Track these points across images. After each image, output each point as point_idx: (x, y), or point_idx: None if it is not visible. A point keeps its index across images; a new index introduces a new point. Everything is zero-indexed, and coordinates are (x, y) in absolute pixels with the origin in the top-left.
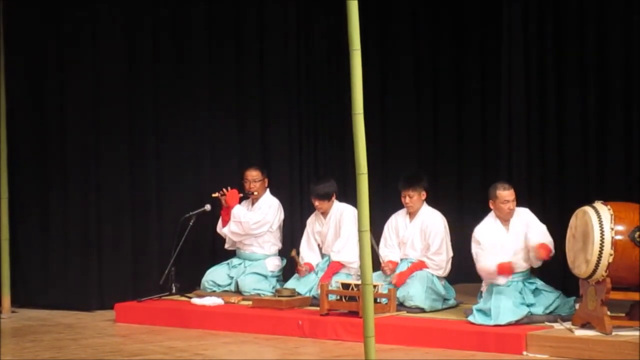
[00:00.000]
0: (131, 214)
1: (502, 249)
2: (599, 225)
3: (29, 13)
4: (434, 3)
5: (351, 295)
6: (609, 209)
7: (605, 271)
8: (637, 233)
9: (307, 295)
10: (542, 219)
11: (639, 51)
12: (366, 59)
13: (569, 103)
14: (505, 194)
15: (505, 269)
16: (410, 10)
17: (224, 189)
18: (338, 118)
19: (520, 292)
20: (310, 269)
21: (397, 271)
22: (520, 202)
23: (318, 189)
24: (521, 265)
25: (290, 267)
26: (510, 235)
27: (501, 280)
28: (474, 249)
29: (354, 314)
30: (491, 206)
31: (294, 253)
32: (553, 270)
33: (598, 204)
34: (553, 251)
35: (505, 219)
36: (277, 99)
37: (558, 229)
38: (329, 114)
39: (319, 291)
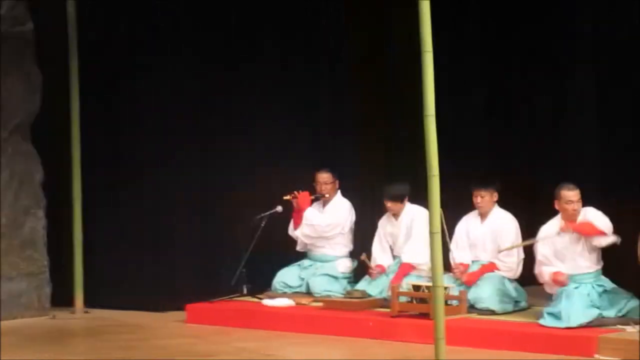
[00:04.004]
0: (203, 215)
1: (564, 251)
2: None
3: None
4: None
5: (422, 297)
6: None
7: None
8: None
9: (378, 296)
10: (616, 219)
11: None
12: (436, 60)
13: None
14: (570, 194)
15: (558, 281)
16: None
17: (296, 192)
18: (409, 120)
19: (588, 294)
20: (382, 270)
21: (468, 272)
22: (593, 202)
23: (391, 191)
24: (587, 266)
25: (361, 269)
26: (574, 236)
27: (554, 289)
28: (539, 254)
29: (425, 315)
30: (556, 207)
31: (364, 257)
32: (627, 273)
33: None
34: (606, 232)
35: (570, 220)
36: (348, 99)
37: (633, 231)
38: (400, 116)
39: (389, 293)
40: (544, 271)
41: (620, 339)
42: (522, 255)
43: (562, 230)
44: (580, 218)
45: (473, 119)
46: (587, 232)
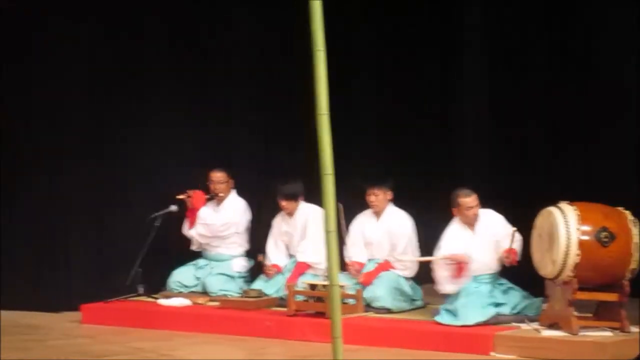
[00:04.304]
0: (97, 215)
1: (467, 252)
2: (565, 226)
3: None
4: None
5: (318, 296)
6: (574, 209)
7: (572, 271)
8: (603, 233)
9: (275, 296)
10: (507, 219)
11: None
12: (329, 58)
13: (533, 100)
14: (468, 200)
15: (458, 271)
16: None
17: (189, 191)
18: (303, 117)
19: (491, 292)
20: (278, 270)
21: (364, 271)
22: (484, 203)
23: (285, 189)
24: (491, 267)
25: (258, 268)
26: (476, 238)
27: (452, 287)
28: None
29: (321, 314)
30: (455, 213)
31: (261, 258)
32: (519, 271)
33: (564, 204)
34: (519, 253)
35: (470, 223)
36: (242, 98)
37: (523, 229)
38: (293, 114)
39: (286, 292)
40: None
41: (516, 337)
42: (417, 254)
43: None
44: (479, 221)
45: (366, 118)
46: (514, 261)
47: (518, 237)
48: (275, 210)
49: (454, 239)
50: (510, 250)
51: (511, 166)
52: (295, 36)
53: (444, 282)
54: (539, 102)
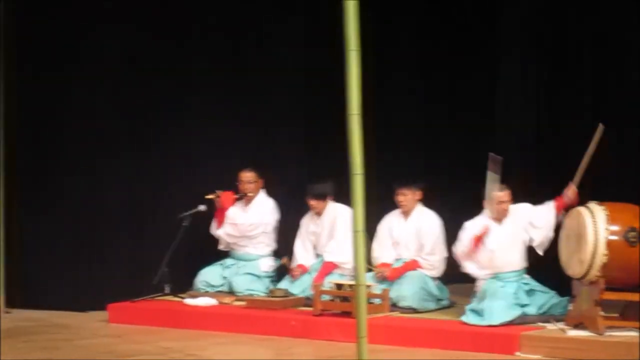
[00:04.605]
0: (126, 214)
1: (494, 246)
2: (593, 226)
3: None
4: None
5: (344, 296)
6: (603, 210)
7: (599, 272)
8: (631, 233)
9: (301, 295)
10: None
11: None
12: (363, 59)
13: (566, 101)
14: (500, 195)
15: (477, 239)
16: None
17: (218, 191)
18: (333, 118)
19: (515, 293)
20: (304, 270)
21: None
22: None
23: (314, 189)
24: (516, 264)
25: (285, 268)
26: (502, 234)
27: (473, 267)
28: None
29: (347, 314)
30: (485, 206)
31: (285, 260)
32: (546, 271)
33: (592, 205)
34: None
35: (499, 218)
36: (274, 99)
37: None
38: (324, 114)
39: (312, 292)
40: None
41: (542, 337)
42: (445, 254)
43: None
44: (509, 217)
45: (395, 116)
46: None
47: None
48: (304, 210)
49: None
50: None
51: (546, 166)
52: (336, 34)
53: (464, 259)
54: (580, 101)
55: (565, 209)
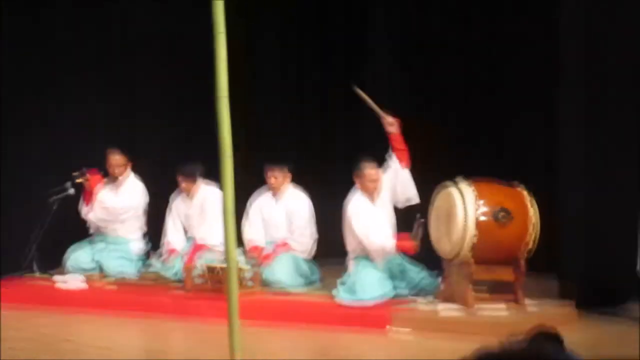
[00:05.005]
0: None
1: (374, 223)
2: (463, 206)
3: None
4: None
5: (216, 278)
6: (473, 190)
7: (470, 251)
8: (501, 213)
9: (173, 278)
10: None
11: None
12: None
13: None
14: (373, 172)
15: (406, 247)
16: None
17: (85, 170)
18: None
19: (385, 267)
20: (176, 255)
21: (263, 253)
22: None
23: (184, 169)
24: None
25: (155, 250)
26: (377, 210)
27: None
28: (361, 226)
29: (219, 294)
30: (357, 182)
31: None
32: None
33: (462, 183)
34: (417, 243)
35: (371, 195)
36: (143, 77)
37: (423, 207)
38: (196, 95)
39: (184, 274)
40: (382, 238)
41: (413, 312)
42: (315, 235)
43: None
44: (381, 194)
45: (268, 101)
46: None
47: (420, 230)
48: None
49: (363, 206)
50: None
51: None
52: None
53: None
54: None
55: (398, 149)
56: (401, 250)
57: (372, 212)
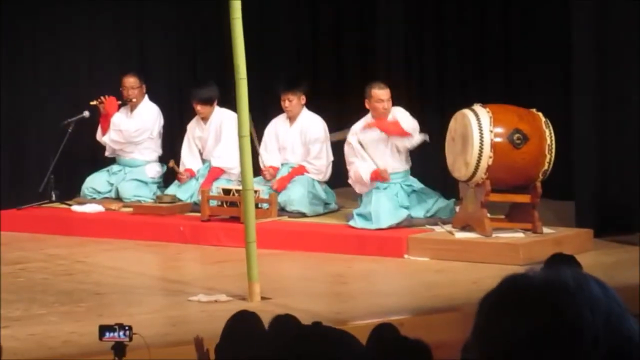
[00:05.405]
0: (9, 122)
1: (373, 151)
2: (478, 128)
3: None
4: None
5: (232, 201)
6: (487, 112)
7: (485, 173)
8: (516, 135)
9: (188, 201)
10: (422, 121)
11: None
12: None
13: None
14: (380, 92)
15: (377, 176)
16: None
17: (102, 97)
18: (215, 20)
19: (397, 194)
20: (191, 175)
21: (278, 176)
22: (399, 103)
23: (200, 93)
24: (396, 166)
25: (171, 173)
26: (383, 135)
27: (364, 189)
28: (349, 154)
29: (235, 219)
30: (367, 106)
31: (172, 164)
32: (433, 173)
33: (477, 107)
34: (411, 133)
35: (379, 118)
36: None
37: (438, 132)
38: (207, 15)
39: (199, 197)
40: (359, 170)
41: (429, 239)
42: (331, 158)
43: (369, 126)
44: (389, 117)
45: (279, 21)
46: (391, 131)
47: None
48: (189, 115)
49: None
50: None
51: (427, 66)
52: None
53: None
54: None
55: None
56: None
57: (373, 134)
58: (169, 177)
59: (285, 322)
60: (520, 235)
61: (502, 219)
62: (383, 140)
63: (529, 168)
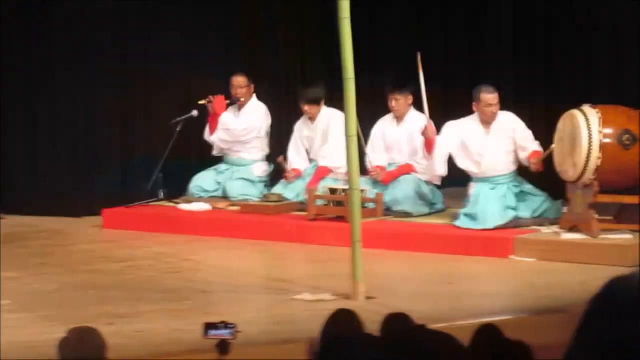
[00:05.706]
0: (119, 120)
1: (480, 149)
2: (587, 129)
3: None
4: None
5: (338, 201)
6: (597, 112)
7: (593, 174)
8: (626, 136)
9: (295, 200)
10: (530, 122)
11: None
12: None
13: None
14: (489, 97)
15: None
16: None
17: (211, 96)
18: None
19: (504, 196)
20: (298, 174)
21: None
22: (507, 106)
23: (308, 94)
24: (504, 168)
25: (278, 173)
26: (491, 138)
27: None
28: (439, 140)
29: (341, 218)
30: (474, 109)
31: (281, 159)
32: (541, 174)
33: (586, 108)
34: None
35: (487, 121)
36: (266, 5)
37: (546, 133)
38: (315, 18)
39: (306, 196)
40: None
41: (536, 240)
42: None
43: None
44: (496, 122)
45: (391, 25)
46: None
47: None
48: (297, 115)
49: (464, 130)
50: (535, 153)
51: (535, 69)
52: None
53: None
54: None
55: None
56: None
57: (479, 135)
58: (276, 176)
59: (398, 321)
60: (629, 236)
61: (610, 220)
62: (493, 142)
63: (638, 169)
